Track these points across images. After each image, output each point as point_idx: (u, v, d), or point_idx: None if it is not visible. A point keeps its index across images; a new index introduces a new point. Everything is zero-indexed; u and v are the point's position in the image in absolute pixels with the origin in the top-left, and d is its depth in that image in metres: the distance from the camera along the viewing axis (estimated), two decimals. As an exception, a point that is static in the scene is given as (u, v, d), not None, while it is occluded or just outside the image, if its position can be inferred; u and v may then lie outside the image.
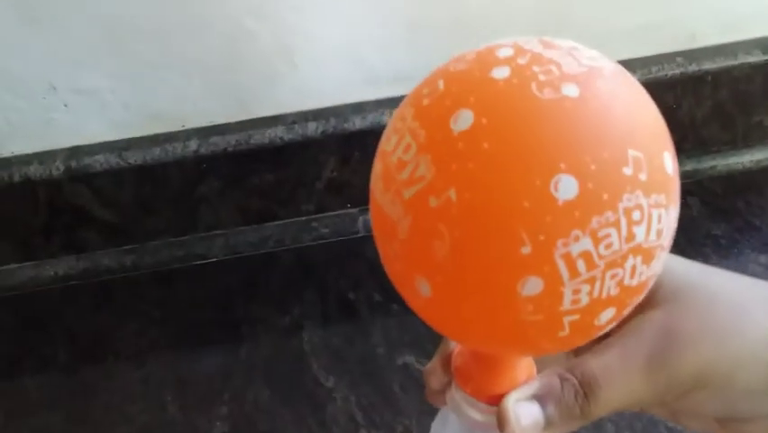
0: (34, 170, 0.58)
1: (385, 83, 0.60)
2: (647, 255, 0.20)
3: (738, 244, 0.62)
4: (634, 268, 0.20)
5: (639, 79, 0.60)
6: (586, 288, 0.20)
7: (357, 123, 0.60)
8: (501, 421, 0.25)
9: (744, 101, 0.64)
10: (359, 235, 0.65)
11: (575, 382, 0.25)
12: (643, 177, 0.19)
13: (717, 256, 0.61)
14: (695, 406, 0.25)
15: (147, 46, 0.55)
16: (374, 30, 0.57)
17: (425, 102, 0.21)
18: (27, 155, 0.59)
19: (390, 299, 0.60)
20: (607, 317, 0.21)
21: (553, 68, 0.20)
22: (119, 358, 0.58)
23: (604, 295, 0.20)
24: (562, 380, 0.25)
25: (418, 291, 0.22)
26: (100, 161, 0.59)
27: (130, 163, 0.59)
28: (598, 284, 0.20)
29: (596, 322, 0.21)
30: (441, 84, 0.21)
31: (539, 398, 0.25)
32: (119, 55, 0.55)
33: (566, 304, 0.20)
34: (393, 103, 0.60)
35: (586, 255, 0.19)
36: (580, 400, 0.24)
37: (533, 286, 0.19)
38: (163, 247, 0.64)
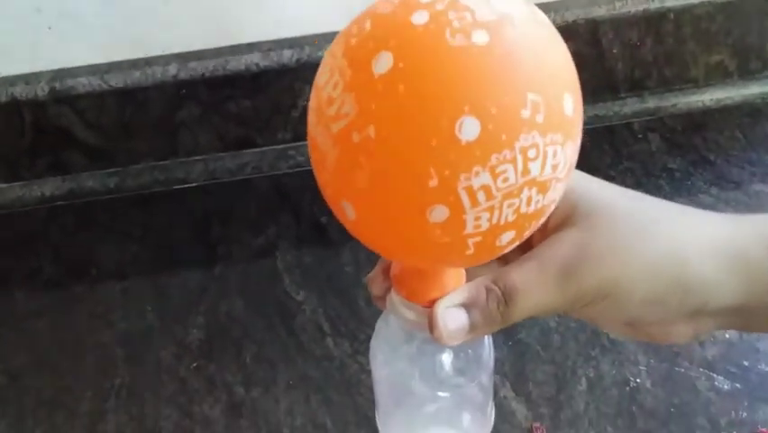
0: (20, 91, 0.61)
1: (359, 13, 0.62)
2: (542, 187, 0.23)
3: (692, 177, 0.65)
4: (530, 198, 0.23)
5: (603, 15, 0.63)
6: (486, 215, 0.23)
7: (331, 52, 0.62)
8: (431, 325, 0.28)
9: (705, 40, 0.67)
10: (333, 163, 0.68)
11: (498, 292, 0.28)
12: (539, 118, 0.22)
13: (670, 188, 0.64)
14: (601, 313, 0.29)
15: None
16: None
17: (353, 41, 0.23)
18: (13, 76, 0.61)
19: (360, 221, 0.63)
20: (507, 238, 0.24)
21: (467, 14, 0.22)
22: (102, 273, 0.61)
23: (502, 221, 0.23)
24: (488, 290, 0.28)
25: (345, 213, 0.25)
26: (83, 83, 0.61)
27: (111, 86, 0.61)
28: (496, 212, 0.23)
29: (497, 243, 0.24)
30: (368, 25, 0.23)
31: (466, 306, 0.28)
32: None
33: (469, 228, 0.23)
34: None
35: (485, 188, 0.22)
36: (501, 307, 0.28)
37: (439, 213, 0.23)
38: (145, 171, 0.67)
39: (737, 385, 0.50)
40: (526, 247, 0.29)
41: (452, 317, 0.28)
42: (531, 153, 0.22)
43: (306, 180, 0.67)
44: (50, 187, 0.66)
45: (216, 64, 0.61)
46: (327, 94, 0.23)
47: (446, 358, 0.32)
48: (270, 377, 0.52)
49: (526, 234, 0.25)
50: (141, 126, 0.65)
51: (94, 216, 0.66)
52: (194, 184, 0.67)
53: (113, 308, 0.58)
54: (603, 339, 0.53)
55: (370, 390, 0.51)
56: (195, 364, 0.54)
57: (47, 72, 0.61)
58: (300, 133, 0.67)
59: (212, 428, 0.50)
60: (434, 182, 0.22)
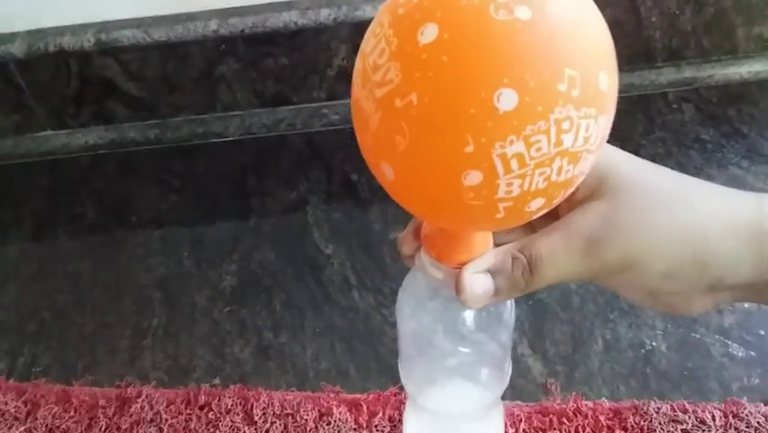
0: (67, 42, 0.63)
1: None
2: (573, 157, 0.24)
3: (724, 148, 0.65)
4: (560, 168, 0.24)
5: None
6: (518, 181, 0.24)
7: (368, 11, 0.63)
8: (458, 288, 0.29)
9: (746, 11, 0.66)
10: (366, 122, 0.69)
11: (524, 260, 0.29)
12: (575, 93, 0.23)
13: (701, 159, 0.64)
14: (623, 283, 0.30)
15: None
16: None
17: (400, 11, 0.24)
18: (61, 27, 0.63)
19: (390, 180, 0.65)
20: (536, 205, 0.25)
21: None
22: (141, 219, 0.64)
23: (533, 188, 0.24)
24: (513, 258, 0.29)
25: (384, 174, 0.26)
26: (127, 36, 0.63)
27: (154, 39, 0.63)
28: (528, 179, 0.24)
29: (527, 208, 0.25)
30: None
31: (492, 272, 0.29)
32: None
33: (501, 193, 0.24)
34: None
35: (519, 156, 0.23)
36: (526, 275, 0.29)
37: (473, 178, 0.24)
38: (184, 124, 0.69)
39: (752, 353, 0.51)
40: (553, 217, 0.30)
41: (478, 282, 0.29)
42: (565, 125, 0.23)
43: (338, 138, 0.69)
44: (93, 136, 0.69)
45: (256, 21, 0.63)
46: (373, 60, 0.24)
47: (469, 315, 0.34)
48: (298, 324, 0.55)
49: (555, 202, 0.26)
50: (181, 80, 0.67)
51: (135, 165, 0.69)
52: (230, 138, 0.70)
53: (151, 252, 0.61)
54: (622, 303, 0.54)
55: (393, 341, 0.54)
56: (227, 309, 0.56)
57: (93, 24, 0.63)
58: (335, 93, 0.69)
59: (241, 368, 0.52)
60: (470, 148, 0.23)
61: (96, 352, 0.54)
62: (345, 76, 0.67)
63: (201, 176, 0.67)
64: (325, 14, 0.63)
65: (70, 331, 0.56)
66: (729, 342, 0.51)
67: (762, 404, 0.48)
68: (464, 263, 0.30)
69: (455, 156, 0.23)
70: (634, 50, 0.68)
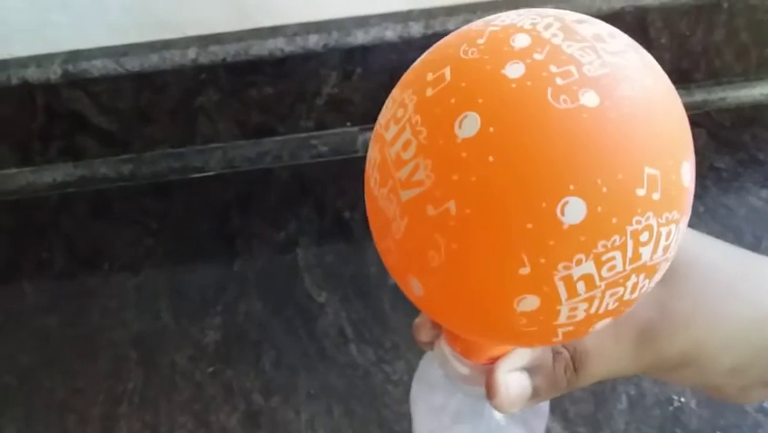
0: (32, 74, 0.58)
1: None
2: (651, 271, 0.20)
3: (740, 177, 0.61)
4: (635, 285, 0.20)
5: (652, 3, 0.59)
6: (584, 306, 0.19)
7: (360, 37, 0.58)
8: (491, 391, 0.25)
9: (759, 31, 0.62)
10: (358, 155, 0.64)
11: (567, 356, 0.25)
12: (656, 196, 0.18)
13: (717, 189, 0.60)
14: (679, 380, 0.26)
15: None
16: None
17: (429, 92, 0.20)
18: (25, 58, 0.58)
19: (386, 218, 0.60)
20: (602, 325, 0.21)
21: (573, 68, 0.18)
22: (115, 266, 0.58)
23: (601, 310, 0.20)
24: (555, 353, 0.25)
25: (411, 287, 0.21)
26: (98, 67, 0.58)
27: (128, 70, 0.58)
28: (596, 302, 0.19)
29: (590, 330, 0.21)
30: (447, 73, 0.19)
31: (529, 370, 0.25)
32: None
33: (562, 319, 0.20)
34: (397, 17, 0.58)
35: (587, 278, 0.19)
36: (569, 373, 0.25)
37: (529, 303, 0.19)
38: (161, 158, 0.64)
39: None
40: None
41: (514, 382, 0.25)
42: (643, 237, 0.19)
43: (328, 171, 0.64)
44: (61, 173, 0.63)
45: (238, 48, 0.57)
46: (396, 152, 0.20)
47: (499, 416, 0.29)
48: (291, 385, 0.50)
49: (622, 317, 0.22)
50: (157, 112, 0.61)
51: (107, 205, 0.63)
52: (211, 173, 0.64)
53: (126, 305, 0.56)
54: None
55: (397, 402, 0.49)
56: (211, 369, 0.51)
57: (60, 54, 0.58)
58: (324, 122, 0.64)
59: (229, 439, 0.47)
60: (525, 270, 0.18)
61: (66, 421, 0.49)
62: (335, 104, 0.63)
63: (180, 216, 0.62)
64: (314, 41, 0.58)
65: (37, 397, 0.50)
66: (765, 397, 0.47)
67: (805, 469, 0.43)
68: (496, 359, 0.25)
69: (506, 279, 0.19)
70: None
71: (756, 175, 0.61)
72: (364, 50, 0.59)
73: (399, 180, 0.19)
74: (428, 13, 0.59)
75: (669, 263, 0.21)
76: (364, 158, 0.69)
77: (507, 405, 0.25)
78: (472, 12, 0.59)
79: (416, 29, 0.58)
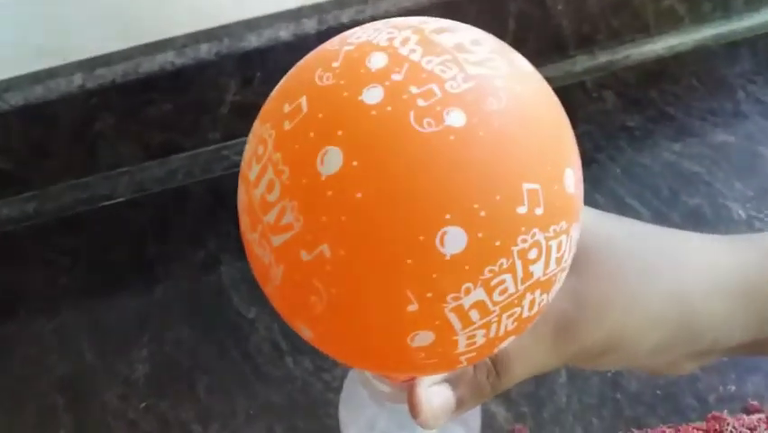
0: None
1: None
2: (546, 286, 0.19)
3: (653, 134, 0.62)
4: (532, 301, 0.19)
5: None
6: (481, 332, 0.19)
7: (253, 41, 0.56)
8: (413, 408, 0.24)
9: (653, -14, 0.63)
10: (271, 160, 0.63)
11: (488, 362, 0.24)
12: (539, 211, 0.18)
13: (631, 149, 0.61)
14: (606, 363, 0.26)
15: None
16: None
17: (287, 126, 0.18)
18: None
19: (307, 222, 0.58)
20: (506, 344, 0.21)
21: (435, 87, 0.17)
22: (31, 310, 0.55)
23: (501, 332, 0.19)
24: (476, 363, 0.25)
25: (301, 331, 0.21)
26: (-21, 106, 0.54)
27: (12, 105, 0.55)
28: (494, 326, 0.19)
29: (494, 351, 0.21)
30: (304, 103, 0.18)
31: (451, 381, 0.25)
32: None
33: (461, 348, 0.19)
34: (289, 16, 0.56)
35: (479, 305, 0.18)
36: (491, 378, 0.25)
37: (423, 338, 0.18)
38: (65, 191, 0.61)
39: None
40: None
41: (436, 396, 0.24)
42: (532, 255, 0.18)
43: (244, 181, 0.62)
44: (-40, 221, 0.60)
45: (126, 68, 0.55)
46: (261, 195, 0.18)
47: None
48: (228, 409, 0.48)
49: (525, 331, 0.21)
50: (53, 144, 0.58)
51: (14, 248, 0.60)
52: (121, 199, 0.62)
53: (47, 350, 0.53)
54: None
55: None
56: (144, 404, 0.49)
57: (-65, 96, 0.54)
58: (232, 132, 0.62)
59: (169, 476, 0.45)
60: (413, 307, 0.17)
61: (-5, 484, 0.46)
62: (241, 111, 0.60)
63: (93, 248, 0.59)
64: (206, 50, 0.56)
65: (-40, 464, 0.47)
66: (697, 349, 0.48)
67: (743, 415, 0.44)
68: (415, 376, 0.24)
69: (395, 318, 0.18)
70: (544, 41, 0.64)
71: (667, 130, 0.62)
72: (260, 53, 0.57)
73: (268, 225, 0.18)
74: (320, 8, 0.57)
75: (566, 272, 0.20)
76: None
77: (431, 420, 0.24)
78: (364, 2, 0.57)
79: (310, 25, 0.57)
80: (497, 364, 0.24)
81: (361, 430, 0.29)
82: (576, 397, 0.46)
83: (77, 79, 0.54)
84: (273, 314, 0.53)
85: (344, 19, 0.58)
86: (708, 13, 0.66)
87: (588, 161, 0.61)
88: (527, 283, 0.18)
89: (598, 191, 0.58)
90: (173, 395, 0.49)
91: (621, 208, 0.57)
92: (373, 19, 0.58)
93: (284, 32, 0.57)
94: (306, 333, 0.20)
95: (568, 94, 0.65)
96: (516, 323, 0.19)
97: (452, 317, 0.18)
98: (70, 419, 0.49)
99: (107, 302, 0.55)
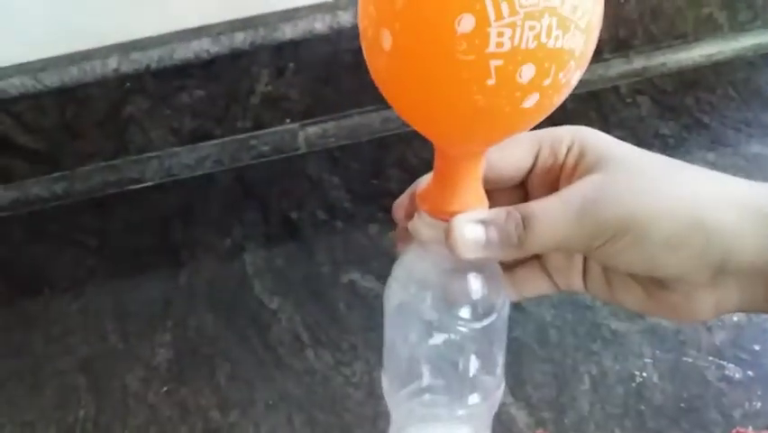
0: (-56, 97, 0.54)
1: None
2: (562, 22, 0.23)
3: (686, 142, 0.61)
4: (549, 27, 0.23)
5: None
6: (508, 32, 0.23)
7: (288, 32, 0.56)
8: (447, 234, 0.29)
9: (693, -8, 0.62)
10: (300, 152, 0.63)
11: (517, 215, 0.28)
12: None
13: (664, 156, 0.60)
14: (621, 253, 0.28)
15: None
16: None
17: None
18: (-66, 81, 0.54)
19: (334, 216, 0.58)
20: (528, 74, 0.24)
21: None
22: (56, 289, 0.56)
23: (523, 45, 0.23)
24: (507, 213, 0.29)
25: (382, 46, 0.25)
26: (16, 85, 0.55)
27: (47, 85, 0.55)
28: (518, 31, 0.23)
29: (518, 78, 0.24)
30: None
31: (484, 222, 0.29)
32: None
33: (491, 46, 0.23)
34: (325, 8, 0.56)
35: (509, 1, 0.23)
36: (519, 230, 0.28)
37: (466, 23, 0.23)
38: (95, 172, 0.61)
39: (749, 373, 0.46)
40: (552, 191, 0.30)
41: (469, 229, 0.29)
42: None
43: (271, 171, 0.62)
44: (-9, 197, 0.60)
45: (162, 53, 0.55)
46: None
47: (460, 290, 0.32)
48: (248, 398, 0.48)
49: (546, 82, 0.25)
50: (84, 125, 0.59)
51: (43, 227, 0.60)
52: (149, 183, 0.62)
53: (70, 329, 0.53)
54: (603, 331, 0.49)
55: (358, 404, 0.48)
56: (165, 389, 0.49)
57: (-27, 74, 0.55)
58: (261, 122, 0.62)
59: (187, 461, 0.46)
60: None
61: (15, 460, 0.47)
62: (271, 103, 0.60)
63: (120, 231, 0.59)
64: (241, 39, 0.56)
65: (-18, 437, 0.48)
66: (724, 363, 0.47)
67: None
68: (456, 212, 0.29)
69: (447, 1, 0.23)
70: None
71: (701, 139, 0.61)
72: (294, 45, 0.57)
73: None
74: (356, 1, 0.57)
75: (579, 36, 0.24)
76: (307, 155, 0.67)
77: (461, 246, 0.28)
78: (403, -5, 0.57)
79: (346, 18, 0.56)
80: (524, 219, 0.28)
81: (401, 284, 0.32)
82: (599, 405, 0.46)
83: (113, 63, 0.55)
84: (296, 305, 0.54)
85: (380, 13, 0.57)
86: (748, 22, 0.65)
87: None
88: (547, 3, 0.23)
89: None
90: (194, 381, 0.49)
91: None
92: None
93: (319, 24, 0.56)
94: (386, 40, 0.25)
95: (601, 98, 0.65)
96: (536, 42, 0.23)
97: (489, 5, 0.23)
98: (91, 400, 0.49)
99: (132, 285, 0.55)
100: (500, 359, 0.34)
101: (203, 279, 0.55)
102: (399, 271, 0.33)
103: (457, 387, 0.34)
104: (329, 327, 0.51)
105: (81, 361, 0.51)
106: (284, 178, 0.61)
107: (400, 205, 0.32)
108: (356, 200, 0.59)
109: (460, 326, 0.32)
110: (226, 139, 0.62)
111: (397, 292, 0.33)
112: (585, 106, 0.64)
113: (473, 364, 0.34)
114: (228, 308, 0.53)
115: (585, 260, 0.32)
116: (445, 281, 0.32)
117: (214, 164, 0.62)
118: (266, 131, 0.62)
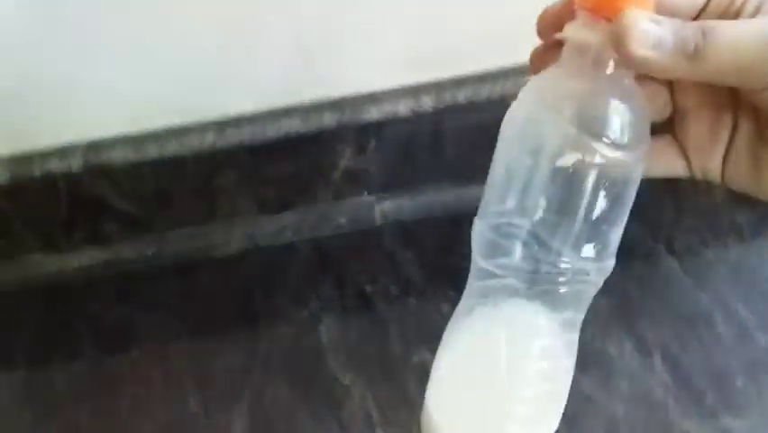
0: (54, 165, 0.59)
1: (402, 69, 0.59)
2: None
3: (762, 233, 0.60)
4: None
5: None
6: None
7: (374, 113, 0.59)
8: (618, 23, 0.25)
9: None
10: (376, 225, 0.65)
11: (697, 23, 0.25)
12: None
13: (738, 248, 0.59)
14: None
15: (161, 38, 0.54)
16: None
17: None
18: (45, 151, 0.59)
19: (407, 292, 0.60)
20: None
21: None
22: (143, 351, 0.59)
23: None
24: (686, 20, 0.26)
25: None
26: (118, 156, 0.59)
27: (147, 157, 0.59)
28: None
29: None
30: None
31: (660, 21, 0.25)
32: (135, 48, 0.54)
33: None
34: (408, 92, 0.59)
35: None
36: (697, 37, 0.25)
37: None
38: (183, 237, 0.65)
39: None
40: None
41: (642, 20, 0.25)
42: None
43: (347, 244, 0.64)
44: (86, 257, 0.64)
45: (254, 131, 0.58)
46: None
47: (605, 105, 0.28)
48: (320, 474, 0.50)
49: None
50: (177, 193, 0.62)
51: (132, 288, 0.64)
52: (234, 251, 0.65)
53: (153, 394, 0.56)
54: (675, 431, 0.49)
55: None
56: (240, 459, 0.51)
57: (80, 145, 0.59)
58: (341, 194, 0.64)
59: None
60: None
61: None
62: (351, 177, 0.63)
63: (205, 295, 0.62)
64: (329, 119, 0.59)
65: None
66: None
67: None
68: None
69: None
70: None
71: (780, 230, 0.60)
72: (377, 125, 0.59)
73: None
74: (439, 86, 0.59)
75: None
76: (382, 228, 0.69)
77: (631, 38, 0.25)
78: (481, 81, 0.59)
79: (427, 102, 0.59)
80: (705, 28, 0.25)
81: (523, 120, 0.29)
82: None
83: (209, 138, 0.58)
84: (368, 382, 0.55)
85: (460, 98, 0.59)
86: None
87: (693, 256, 0.60)
88: None
89: (703, 290, 0.57)
90: (268, 453, 0.51)
91: (726, 311, 0.56)
92: (489, 100, 0.60)
93: (402, 107, 0.59)
94: None
95: (674, 185, 0.64)
96: None
97: None
98: (170, 464, 0.52)
99: (214, 351, 0.58)
100: (619, 230, 0.30)
101: (280, 350, 0.57)
102: (529, 91, 0.30)
103: (575, 229, 0.29)
104: (399, 406, 0.53)
105: (162, 426, 0.54)
106: (360, 251, 0.63)
107: (550, 14, 0.29)
108: (429, 277, 0.61)
109: (597, 147, 0.28)
110: (307, 208, 0.65)
111: (526, 106, 0.30)
112: (659, 193, 0.63)
113: (600, 204, 0.29)
114: (303, 381, 0.55)
115: (732, 136, 0.29)
116: (588, 96, 0.29)
117: (294, 233, 0.65)
118: (344, 202, 0.65)
